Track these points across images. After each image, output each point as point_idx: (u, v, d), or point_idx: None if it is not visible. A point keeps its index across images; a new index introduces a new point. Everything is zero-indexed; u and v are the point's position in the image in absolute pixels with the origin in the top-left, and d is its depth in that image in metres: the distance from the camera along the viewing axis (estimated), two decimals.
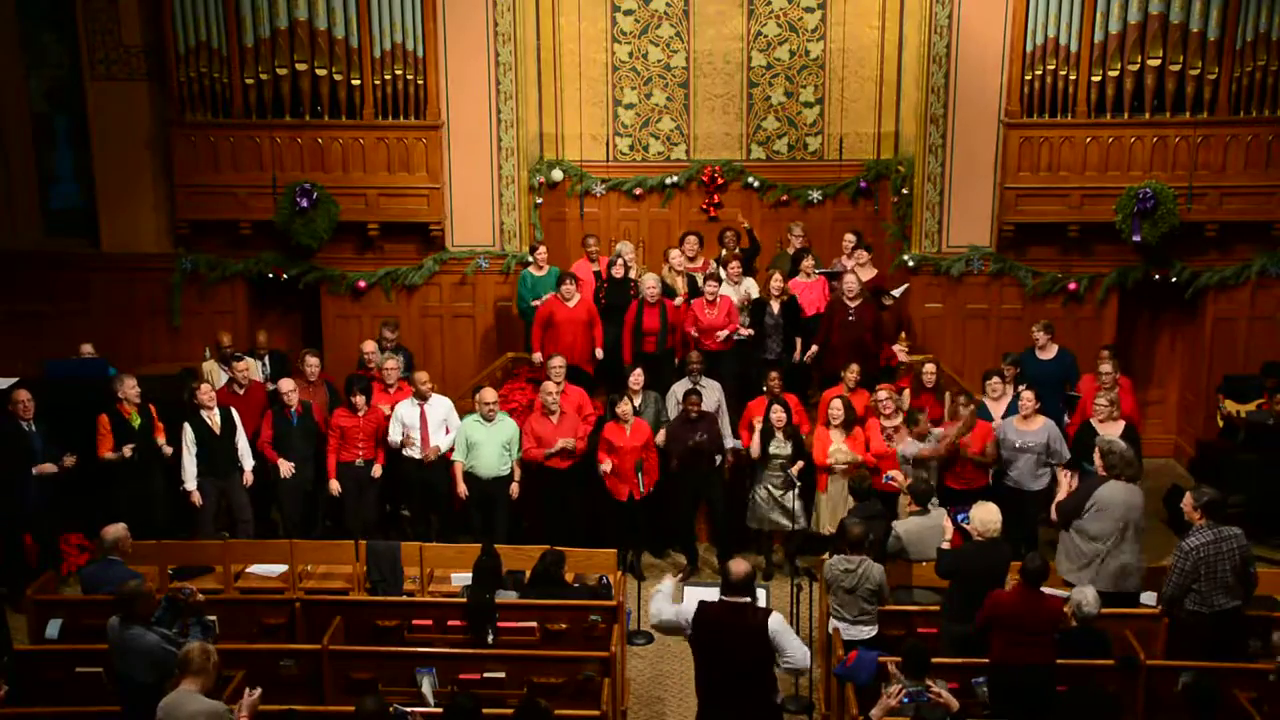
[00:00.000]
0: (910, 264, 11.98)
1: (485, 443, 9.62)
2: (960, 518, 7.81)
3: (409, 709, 6.46)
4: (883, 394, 9.62)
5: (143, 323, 12.27)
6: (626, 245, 11.40)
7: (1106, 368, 9.92)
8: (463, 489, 9.65)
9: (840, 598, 7.44)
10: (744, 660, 6.16)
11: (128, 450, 9.41)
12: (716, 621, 6.17)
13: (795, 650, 6.18)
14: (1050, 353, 10.59)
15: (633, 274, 11.06)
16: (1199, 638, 7.23)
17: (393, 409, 9.93)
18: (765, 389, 9.97)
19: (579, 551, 8.54)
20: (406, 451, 9.84)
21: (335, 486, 9.77)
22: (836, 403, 9.62)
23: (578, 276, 10.90)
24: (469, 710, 6.00)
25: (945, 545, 7.74)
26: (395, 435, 9.84)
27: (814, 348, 10.70)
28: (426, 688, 7.20)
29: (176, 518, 9.74)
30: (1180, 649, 7.32)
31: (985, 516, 7.35)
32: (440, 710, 6.46)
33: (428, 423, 9.81)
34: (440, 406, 9.94)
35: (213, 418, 9.57)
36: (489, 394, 9.74)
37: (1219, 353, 11.92)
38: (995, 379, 9.98)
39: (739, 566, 6.20)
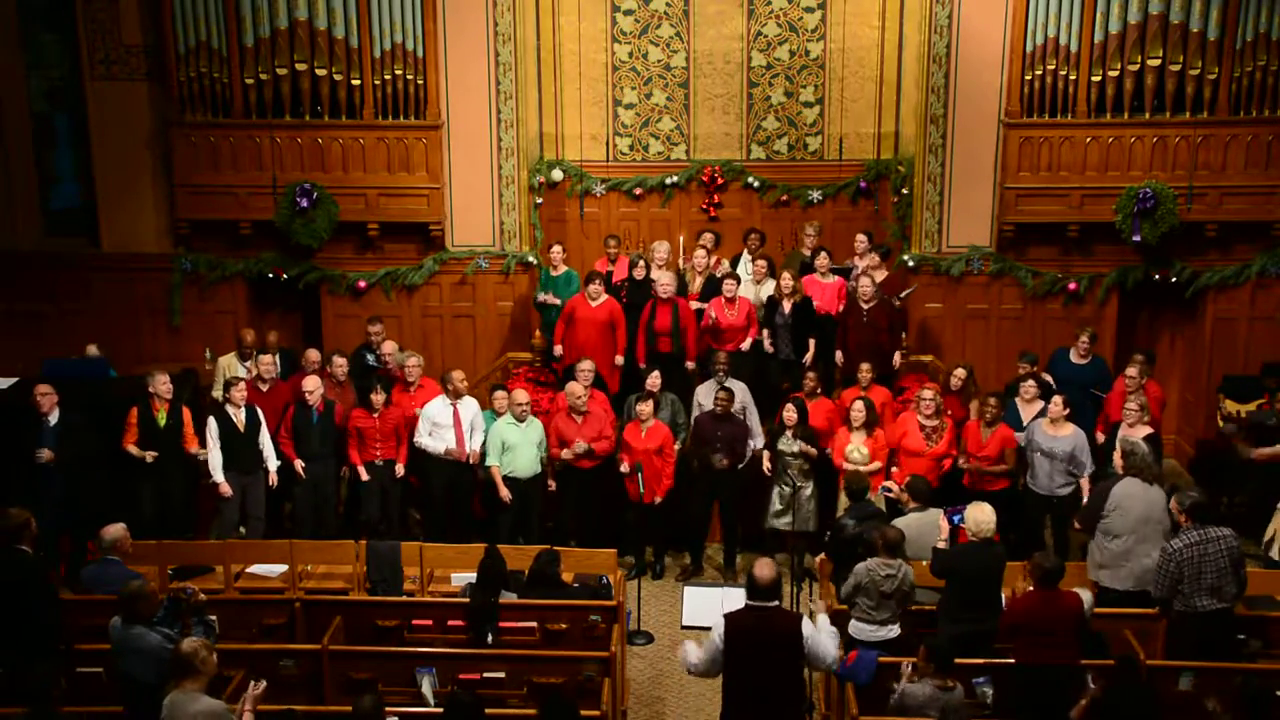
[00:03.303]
0: (910, 264, 11.97)
1: (521, 444, 9.63)
2: (956, 518, 7.82)
3: (407, 710, 6.46)
4: (928, 393, 9.59)
5: (143, 323, 12.27)
6: (662, 245, 11.32)
7: (1132, 371, 9.89)
8: (505, 493, 9.63)
9: (876, 600, 7.30)
10: (775, 665, 6.14)
11: (149, 456, 9.44)
12: (748, 630, 6.12)
13: (825, 646, 6.23)
14: (1087, 359, 10.53)
15: (654, 274, 11.01)
16: (1188, 638, 7.26)
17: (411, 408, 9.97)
18: (803, 389, 10.07)
19: (579, 551, 8.55)
20: (432, 450, 9.83)
21: (365, 474, 9.79)
22: (859, 404, 9.63)
23: (602, 275, 10.89)
24: (469, 705, 6.00)
25: (941, 544, 7.74)
26: (424, 435, 9.84)
27: (839, 353, 10.67)
28: (426, 688, 7.20)
29: (189, 517, 9.78)
30: (1174, 648, 7.35)
31: (979, 517, 7.35)
32: (440, 710, 6.46)
33: (460, 422, 9.82)
34: (470, 407, 9.95)
35: (238, 415, 9.62)
36: (521, 395, 9.76)
37: (1219, 353, 11.91)
38: (1031, 382, 9.88)
39: (763, 572, 6.14)
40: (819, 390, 10.11)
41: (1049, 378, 10.36)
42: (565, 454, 9.69)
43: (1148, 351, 10.78)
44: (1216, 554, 7.20)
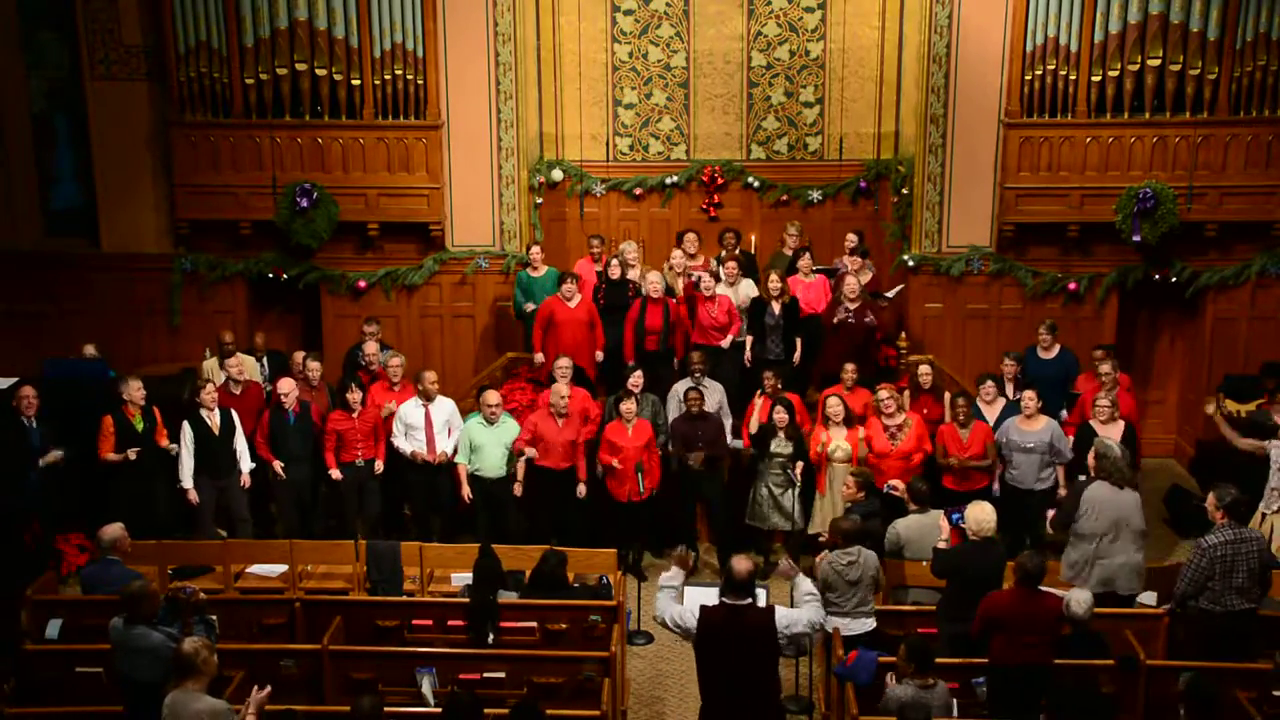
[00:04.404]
0: (910, 264, 11.98)
1: (489, 444, 9.61)
2: (955, 517, 7.83)
3: (407, 710, 6.46)
4: (884, 393, 9.64)
5: (143, 323, 12.26)
6: (630, 245, 11.41)
7: (1106, 368, 9.93)
8: (467, 491, 9.66)
9: (842, 591, 7.41)
10: (750, 661, 6.15)
11: (132, 454, 9.41)
12: (721, 625, 6.15)
13: (804, 617, 6.26)
14: (1052, 352, 10.63)
15: (633, 274, 11.07)
16: (1208, 636, 7.21)
17: (388, 406, 9.92)
18: (763, 389, 10.00)
19: (579, 551, 8.54)
20: (403, 451, 9.81)
21: (337, 474, 9.73)
22: (834, 400, 9.66)
23: (579, 276, 10.91)
24: (468, 706, 6.00)
25: (942, 544, 7.75)
26: (399, 436, 9.84)
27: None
28: (426, 688, 7.20)
29: (177, 519, 9.74)
30: (1187, 646, 7.30)
31: (979, 516, 7.37)
32: (440, 710, 6.46)
33: (432, 424, 9.81)
34: (444, 408, 9.93)
35: (212, 418, 9.57)
36: (492, 396, 9.73)
37: (1219, 353, 11.92)
38: (989, 383, 9.96)
39: (741, 565, 6.18)
40: (779, 387, 10.07)
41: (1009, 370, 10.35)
42: (529, 450, 9.63)
43: (1109, 346, 10.78)
44: (1249, 554, 7.18)
